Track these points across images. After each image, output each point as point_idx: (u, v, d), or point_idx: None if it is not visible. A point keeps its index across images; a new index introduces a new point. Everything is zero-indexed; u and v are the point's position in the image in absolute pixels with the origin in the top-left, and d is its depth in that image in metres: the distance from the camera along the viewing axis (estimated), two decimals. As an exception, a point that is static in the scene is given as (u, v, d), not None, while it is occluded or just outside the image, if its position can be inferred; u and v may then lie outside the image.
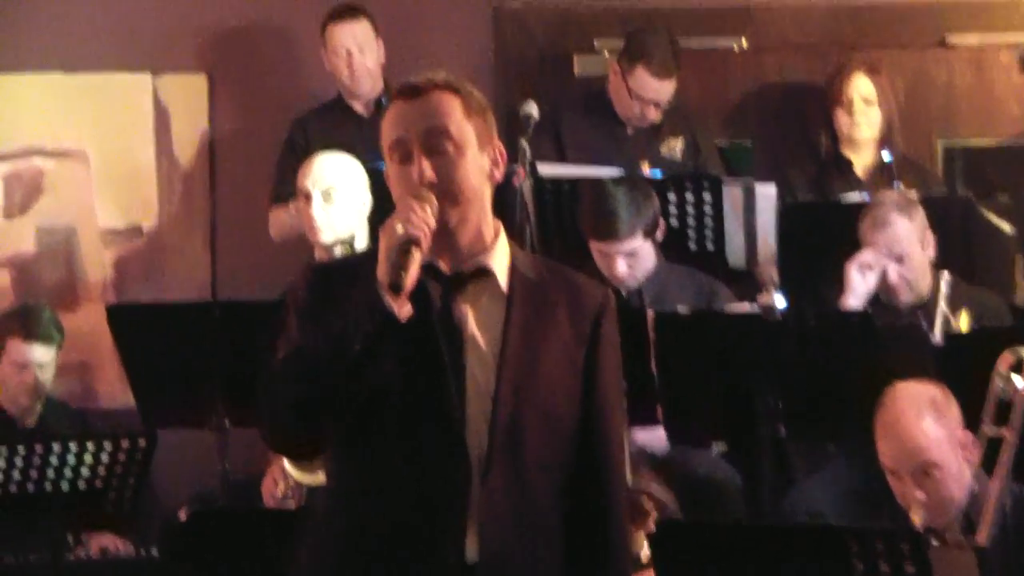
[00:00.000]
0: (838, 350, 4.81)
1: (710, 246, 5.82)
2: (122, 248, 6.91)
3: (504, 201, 3.21)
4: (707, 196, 5.81)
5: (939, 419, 4.33)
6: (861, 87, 6.36)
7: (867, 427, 4.85)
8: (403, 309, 3.03)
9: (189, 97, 6.92)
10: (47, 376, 6.07)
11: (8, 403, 6.07)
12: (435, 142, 3.12)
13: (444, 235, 3.12)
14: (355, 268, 3.16)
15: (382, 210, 5.71)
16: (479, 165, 3.16)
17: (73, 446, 5.01)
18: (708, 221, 5.82)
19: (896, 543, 3.79)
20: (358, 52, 6.47)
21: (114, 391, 6.64)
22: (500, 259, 3.19)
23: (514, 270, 3.20)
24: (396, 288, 3.01)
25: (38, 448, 4.99)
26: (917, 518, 4.26)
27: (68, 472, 5.00)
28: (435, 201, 3.08)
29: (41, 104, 6.91)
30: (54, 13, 6.91)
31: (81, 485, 5.00)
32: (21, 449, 4.97)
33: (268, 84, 6.93)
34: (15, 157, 6.92)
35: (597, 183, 5.70)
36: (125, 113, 6.91)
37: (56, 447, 5.00)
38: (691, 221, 5.82)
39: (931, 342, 4.99)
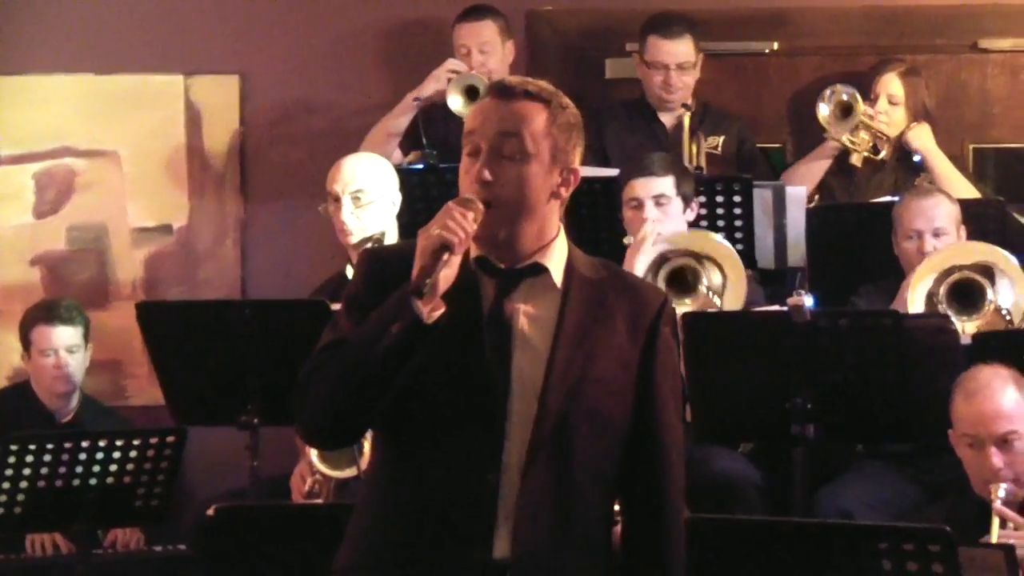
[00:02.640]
0: (868, 350, 4.79)
1: (739, 246, 5.82)
2: (153, 247, 6.91)
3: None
4: (737, 198, 5.81)
5: (1022, 392, 4.43)
6: (891, 86, 6.38)
7: (897, 428, 4.86)
8: (432, 312, 3.02)
9: (221, 98, 6.92)
10: (77, 363, 6.07)
11: (44, 394, 6.08)
12: (503, 147, 3.10)
13: (494, 244, 3.12)
14: (410, 255, 3.13)
15: (412, 210, 5.73)
16: (544, 180, 3.13)
17: (103, 442, 5.03)
18: (737, 222, 5.81)
19: (926, 543, 3.77)
20: (478, 52, 6.53)
21: (144, 389, 6.66)
22: (557, 257, 3.17)
23: (571, 269, 3.18)
24: (418, 293, 3.00)
25: (67, 444, 5.00)
26: (996, 494, 4.32)
27: (97, 468, 5.01)
28: (481, 208, 3.06)
29: (74, 105, 6.93)
30: (87, 16, 6.93)
31: (110, 481, 5.02)
32: (52, 444, 4.99)
33: (299, 85, 6.94)
34: (47, 157, 6.94)
35: None
36: (157, 114, 6.92)
37: (86, 443, 5.01)
38: (720, 222, 5.82)
39: (960, 341, 4.96)
